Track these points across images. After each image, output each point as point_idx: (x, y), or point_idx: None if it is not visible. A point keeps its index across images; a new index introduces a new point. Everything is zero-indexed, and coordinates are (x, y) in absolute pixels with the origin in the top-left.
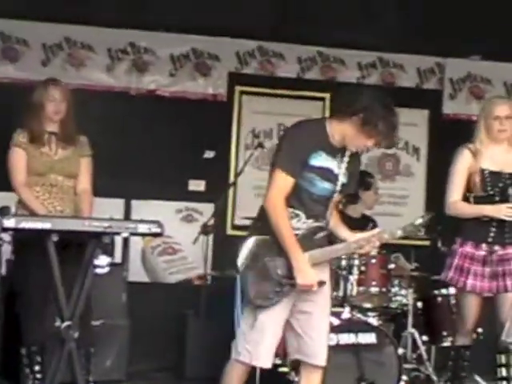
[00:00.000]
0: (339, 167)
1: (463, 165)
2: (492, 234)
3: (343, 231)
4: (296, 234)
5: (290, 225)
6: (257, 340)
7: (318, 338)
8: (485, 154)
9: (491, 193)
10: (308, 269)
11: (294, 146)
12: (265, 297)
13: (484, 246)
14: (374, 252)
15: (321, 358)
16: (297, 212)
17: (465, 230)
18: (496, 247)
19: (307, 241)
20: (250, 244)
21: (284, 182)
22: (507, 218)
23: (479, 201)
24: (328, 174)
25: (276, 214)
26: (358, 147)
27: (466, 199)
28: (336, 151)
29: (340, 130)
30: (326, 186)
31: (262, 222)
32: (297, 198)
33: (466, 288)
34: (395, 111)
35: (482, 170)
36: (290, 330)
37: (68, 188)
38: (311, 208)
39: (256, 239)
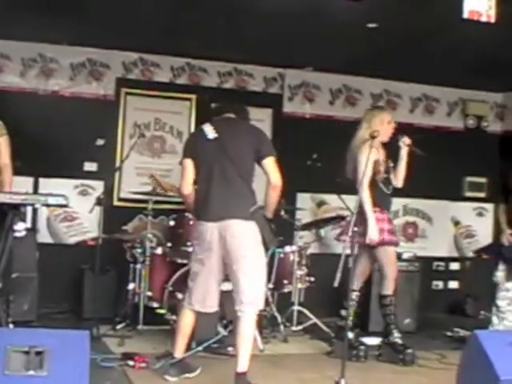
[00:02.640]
0: None
1: (372, 157)
2: (391, 204)
3: None
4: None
5: None
6: None
7: None
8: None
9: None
10: None
11: None
12: None
13: (386, 211)
14: None
15: None
16: None
17: (379, 201)
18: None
19: None
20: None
21: None
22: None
23: (381, 182)
24: None
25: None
26: None
27: (373, 181)
28: None
29: None
30: None
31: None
32: None
33: (399, 243)
34: None
35: (382, 160)
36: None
37: None
38: None
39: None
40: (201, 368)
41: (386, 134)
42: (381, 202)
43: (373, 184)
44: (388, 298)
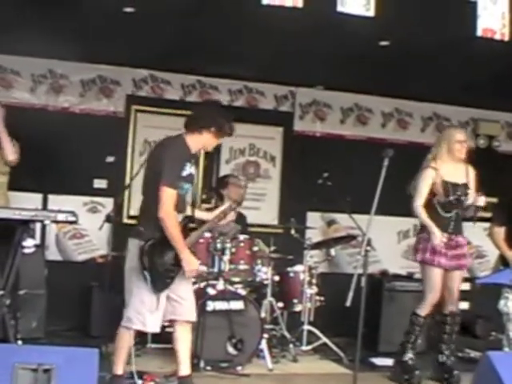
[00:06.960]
0: (195, 168)
1: (428, 179)
2: (451, 227)
3: (204, 214)
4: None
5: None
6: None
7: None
8: (445, 169)
9: (451, 199)
10: (193, 258)
11: (174, 165)
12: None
13: (445, 234)
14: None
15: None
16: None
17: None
18: (453, 236)
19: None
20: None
21: (172, 196)
22: (438, 243)
23: (442, 205)
24: (190, 178)
25: (170, 223)
26: (213, 147)
27: (428, 202)
28: (193, 157)
29: (198, 141)
30: (187, 186)
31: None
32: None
33: (440, 265)
34: (227, 115)
35: (446, 182)
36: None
37: (2, 184)
38: (180, 206)
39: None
40: None
41: (454, 152)
42: (436, 224)
43: (429, 205)
44: (418, 318)
